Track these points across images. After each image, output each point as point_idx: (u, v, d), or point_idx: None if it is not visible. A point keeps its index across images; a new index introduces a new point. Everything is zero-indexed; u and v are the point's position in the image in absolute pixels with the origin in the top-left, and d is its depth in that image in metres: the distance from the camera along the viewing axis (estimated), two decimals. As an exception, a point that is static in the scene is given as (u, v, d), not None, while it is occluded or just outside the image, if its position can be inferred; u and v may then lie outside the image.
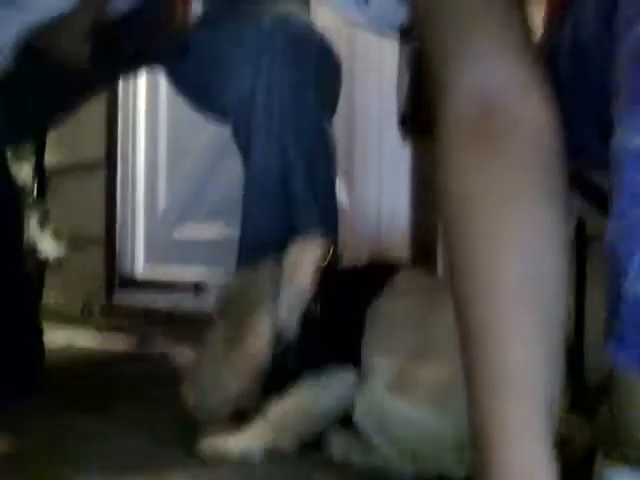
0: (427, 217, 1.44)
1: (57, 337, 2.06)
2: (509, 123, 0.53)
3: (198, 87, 1.31)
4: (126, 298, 2.16)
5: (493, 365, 0.49)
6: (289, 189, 1.18)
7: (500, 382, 0.49)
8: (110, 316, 2.15)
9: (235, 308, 0.95)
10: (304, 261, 0.91)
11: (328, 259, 0.94)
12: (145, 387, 1.42)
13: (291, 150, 1.17)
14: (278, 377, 0.89)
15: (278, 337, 0.89)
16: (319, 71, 1.17)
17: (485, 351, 0.50)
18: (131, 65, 1.41)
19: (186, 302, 1.95)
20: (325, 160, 1.23)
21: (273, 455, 0.88)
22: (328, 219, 1.22)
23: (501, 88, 0.53)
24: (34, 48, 1.13)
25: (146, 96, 2.24)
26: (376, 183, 1.47)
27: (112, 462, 0.96)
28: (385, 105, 1.46)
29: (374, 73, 1.43)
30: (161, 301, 2.04)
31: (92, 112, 1.88)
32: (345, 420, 0.87)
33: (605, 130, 0.53)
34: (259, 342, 0.89)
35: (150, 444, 1.04)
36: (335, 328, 0.90)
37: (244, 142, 1.21)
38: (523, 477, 0.47)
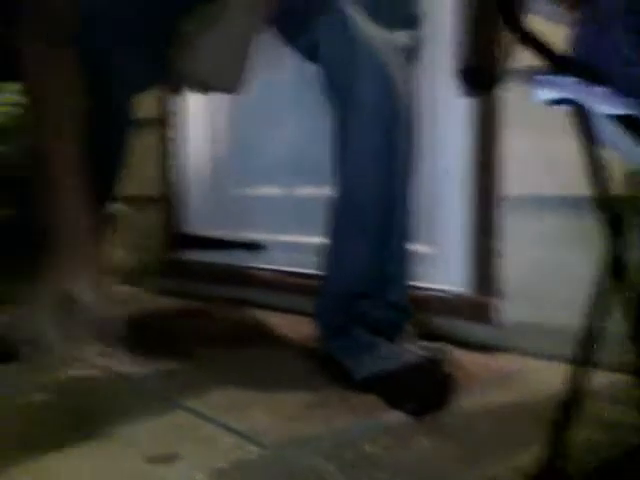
0: (488, 177, 1.39)
1: (116, 294, 2.11)
2: None
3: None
4: (184, 256, 2.18)
5: None
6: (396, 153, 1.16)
7: None
8: (168, 274, 2.18)
9: None
10: None
11: None
12: (195, 344, 1.43)
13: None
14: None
15: None
16: None
17: None
18: None
19: (243, 260, 1.96)
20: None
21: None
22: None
23: None
24: None
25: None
26: (430, 136, 1.42)
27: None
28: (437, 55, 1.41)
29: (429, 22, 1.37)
30: (218, 259, 2.05)
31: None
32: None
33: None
34: None
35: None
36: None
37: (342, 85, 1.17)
38: None
